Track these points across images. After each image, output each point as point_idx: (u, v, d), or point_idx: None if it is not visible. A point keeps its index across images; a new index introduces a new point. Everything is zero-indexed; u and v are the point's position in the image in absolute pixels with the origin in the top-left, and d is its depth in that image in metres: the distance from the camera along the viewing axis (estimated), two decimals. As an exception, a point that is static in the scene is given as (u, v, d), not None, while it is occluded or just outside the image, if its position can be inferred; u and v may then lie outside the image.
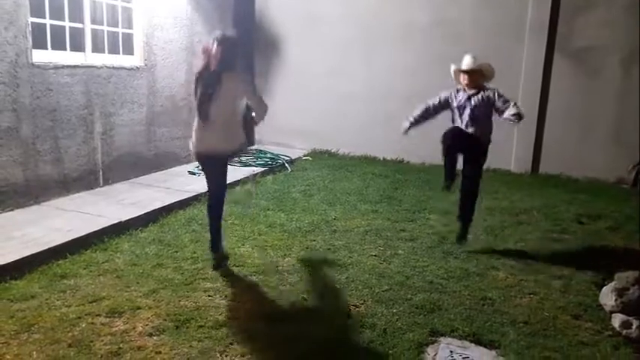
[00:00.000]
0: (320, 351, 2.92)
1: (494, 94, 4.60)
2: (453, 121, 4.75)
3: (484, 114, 4.62)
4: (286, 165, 7.38)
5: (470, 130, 4.60)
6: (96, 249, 4.23)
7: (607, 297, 3.53)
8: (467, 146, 4.67)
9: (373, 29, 8.17)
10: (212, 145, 3.80)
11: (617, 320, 3.30)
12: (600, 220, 5.52)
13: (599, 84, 7.27)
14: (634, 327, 3.19)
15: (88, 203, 5.18)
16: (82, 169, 5.56)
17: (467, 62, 4.68)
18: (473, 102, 4.64)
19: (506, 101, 4.49)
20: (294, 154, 8.03)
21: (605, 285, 3.72)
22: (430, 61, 7.94)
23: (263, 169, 7.09)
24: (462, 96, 4.68)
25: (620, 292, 3.47)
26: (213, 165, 3.94)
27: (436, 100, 4.84)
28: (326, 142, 8.53)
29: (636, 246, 4.80)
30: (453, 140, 4.63)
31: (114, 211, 4.93)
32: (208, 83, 3.70)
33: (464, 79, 4.65)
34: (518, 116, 4.34)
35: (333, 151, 8.45)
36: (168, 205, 5.23)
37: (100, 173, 5.80)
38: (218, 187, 4.04)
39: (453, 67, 4.76)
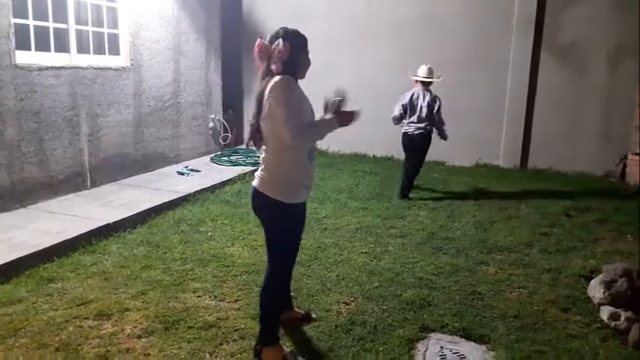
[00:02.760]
0: (310, 349, 2.91)
1: None
2: None
3: None
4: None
5: None
6: (84, 251, 4.18)
7: (595, 289, 3.54)
8: None
9: (361, 25, 8.18)
10: (256, 186, 2.76)
11: (605, 312, 3.31)
12: (588, 213, 5.56)
13: (586, 79, 7.34)
14: (622, 319, 3.20)
15: (75, 205, 5.13)
16: (68, 171, 5.50)
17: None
18: None
19: None
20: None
21: (593, 278, 3.75)
22: (419, 57, 7.92)
23: (253, 168, 7.06)
24: None
25: (608, 285, 3.49)
26: (260, 215, 2.83)
27: None
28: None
29: (623, 238, 4.84)
30: None
31: (102, 213, 4.89)
32: (256, 97, 2.68)
33: None
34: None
35: (323, 149, 8.43)
36: (156, 206, 5.19)
37: (88, 175, 5.75)
38: (269, 258, 2.87)
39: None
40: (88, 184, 5.76)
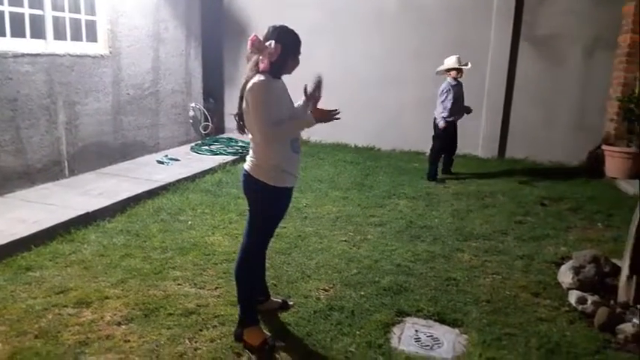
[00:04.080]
0: (289, 334, 2.97)
1: None
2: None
3: None
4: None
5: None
6: (62, 240, 4.17)
7: (565, 275, 3.68)
8: None
9: (344, 15, 8.18)
10: (247, 170, 2.85)
11: (573, 296, 3.43)
12: (562, 202, 5.71)
13: (562, 70, 7.49)
14: (589, 302, 3.33)
15: (53, 194, 5.08)
16: (46, 160, 5.44)
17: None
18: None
19: None
20: (265, 142, 8.00)
21: (563, 264, 3.87)
22: (400, 47, 8.02)
23: (234, 157, 7.06)
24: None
25: (577, 270, 3.62)
26: (249, 196, 2.92)
27: None
28: (297, 130, 8.52)
29: (594, 226, 4.99)
30: None
31: (80, 202, 4.86)
32: (241, 88, 2.75)
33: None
34: None
35: (304, 138, 8.43)
36: (136, 195, 5.17)
37: (66, 164, 5.69)
38: (246, 233, 2.97)
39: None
40: (66, 172, 5.71)
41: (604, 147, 7.05)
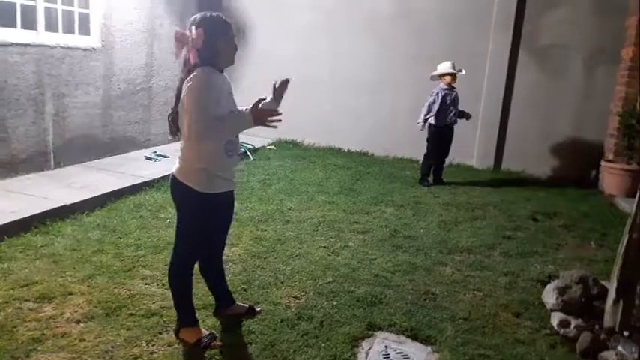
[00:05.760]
0: (251, 342, 2.85)
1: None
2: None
3: None
4: (248, 154, 7.25)
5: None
6: (36, 232, 4.07)
7: (549, 295, 3.51)
8: None
9: (339, 18, 8.07)
10: (174, 173, 2.70)
11: (555, 319, 3.27)
12: (555, 218, 5.55)
13: (562, 82, 7.33)
14: (572, 326, 3.17)
15: (35, 185, 5.00)
16: (31, 151, 5.36)
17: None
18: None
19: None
20: (258, 143, 7.87)
21: (550, 283, 3.73)
22: (396, 52, 7.91)
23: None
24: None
25: (561, 290, 3.46)
26: (175, 201, 2.78)
27: None
28: (291, 132, 8.36)
29: (587, 244, 4.84)
30: None
31: (61, 194, 4.77)
32: (177, 87, 2.61)
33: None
34: None
35: (298, 141, 8.35)
36: (118, 189, 5.08)
37: (51, 155, 5.61)
38: (177, 236, 2.79)
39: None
40: (52, 164, 5.63)
41: (603, 163, 6.90)
